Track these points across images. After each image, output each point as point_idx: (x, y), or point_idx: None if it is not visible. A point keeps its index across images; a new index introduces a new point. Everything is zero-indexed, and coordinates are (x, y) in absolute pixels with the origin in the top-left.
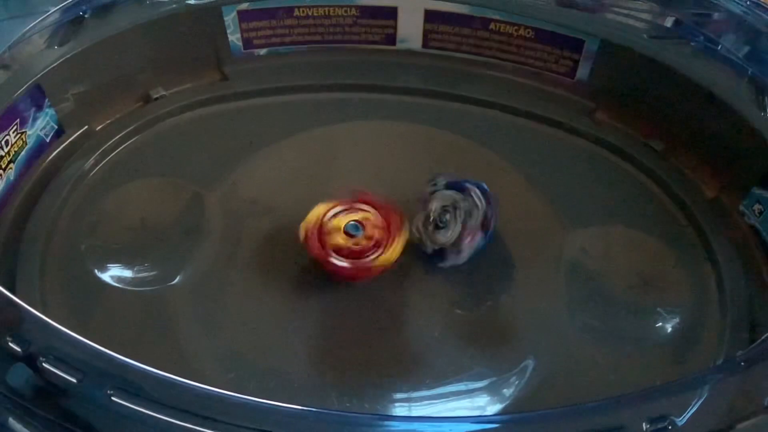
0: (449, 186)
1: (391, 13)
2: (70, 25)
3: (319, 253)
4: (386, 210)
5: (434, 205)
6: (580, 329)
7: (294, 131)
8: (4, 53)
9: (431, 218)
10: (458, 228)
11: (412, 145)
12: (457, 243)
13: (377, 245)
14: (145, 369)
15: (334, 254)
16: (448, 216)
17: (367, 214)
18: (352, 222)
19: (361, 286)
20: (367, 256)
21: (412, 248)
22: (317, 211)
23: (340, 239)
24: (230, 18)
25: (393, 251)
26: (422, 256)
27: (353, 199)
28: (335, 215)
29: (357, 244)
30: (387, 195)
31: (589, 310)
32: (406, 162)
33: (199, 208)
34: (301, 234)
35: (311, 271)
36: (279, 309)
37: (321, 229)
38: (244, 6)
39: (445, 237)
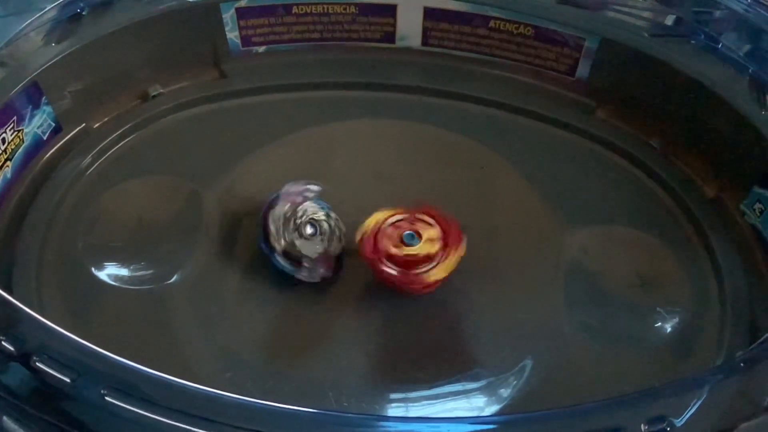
0: (319, 201)
1: (391, 10)
2: (68, 22)
3: (370, 257)
4: (446, 225)
5: (304, 210)
6: (579, 329)
7: (293, 129)
8: (1, 50)
9: (297, 221)
10: (319, 249)
11: (412, 143)
12: (312, 263)
13: (429, 259)
14: (139, 368)
15: (385, 260)
16: (312, 230)
17: (426, 226)
18: (410, 231)
19: (358, 287)
20: (418, 268)
21: None
22: (377, 216)
23: (393, 247)
24: (228, 15)
25: (445, 267)
26: None
27: (415, 209)
28: (395, 222)
29: (409, 255)
30: (386, 194)
31: (588, 309)
32: (405, 160)
33: (197, 206)
34: (357, 235)
35: None
36: (277, 308)
37: (377, 234)
38: (242, 3)
39: (303, 249)
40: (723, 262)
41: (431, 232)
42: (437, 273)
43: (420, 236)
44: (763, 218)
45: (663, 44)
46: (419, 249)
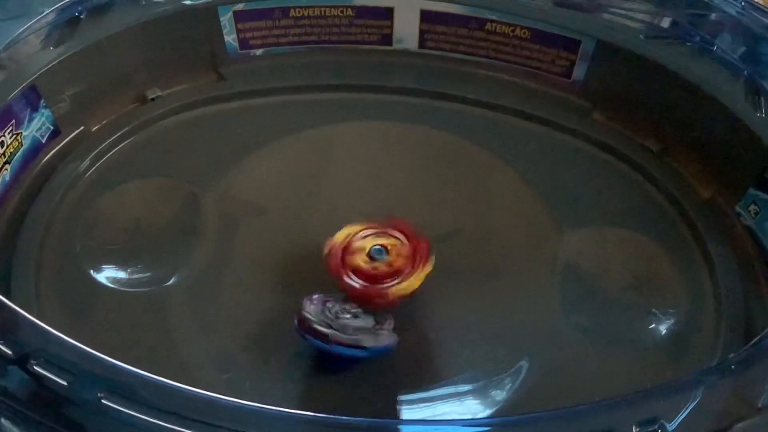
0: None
1: (387, 13)
2: (66, 25)
3: (335, 270)
4: (416, 241)
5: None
6: (575, 330)
7: (290, 131)
8: None
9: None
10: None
11: (408, 145)
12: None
13: (397, 273)
14: (136, 371)
15: (350, 273)
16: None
17: (395, 240)
18: (378, 246)
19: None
20: (384, 282)
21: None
22: (347, 230)
23: (360, 261)
24: (226, 18)
25: (410, 283)
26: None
27: (386, 224)
28: (364, 237)
29: (376, 269)
30: (383, 196)
31: (584, 311)
32: (402, 162)
33: (195, 208)
34: (325, 249)
35: (306, 272)
36: (274, 310)
37: (346, 248)
38: (240, 6)
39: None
40: (718, 263)
41: (400, 248)
42: (403, 288)
43: (387, 251)
44: (758, 220)
45: (659, 46)
46: (386, 263)
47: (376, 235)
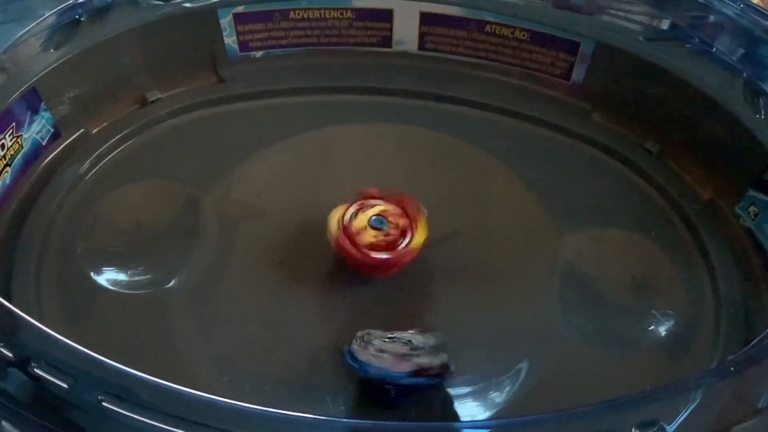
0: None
1: (387, 15)
2: (66, 28)
3: (356, 254)
4: (395, 198)
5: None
6: (575, 332)
7: (290, 134)
8: (0, 56)
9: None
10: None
11: (408, 147)
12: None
13: (404, 232)
14: (135, 374)
15: (370, 252)
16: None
17: (381, 206)
18: (375, 216)
19: (352, 291)
20: (400, 244)
21: None
22: (334, 217)
23: (370, 237)
24: (226, 21)
25: (421, 232)
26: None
27: (361, 198)
28: (354, 216)
29: (387, 235)
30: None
31: (584, 312)
32: (401, 163)
33: (195, 210)
34: (332, 243)
35: (305, 274)
36: (274, 312)
37: (348, 232)
38: (239, 9)
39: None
40: (717, 264)
41: (389, 209)
42: (418, 238)
43: (385, 216)
44: (757, 221)
45: (658, 48)
46: (393, 227)
47: (362, 209)
